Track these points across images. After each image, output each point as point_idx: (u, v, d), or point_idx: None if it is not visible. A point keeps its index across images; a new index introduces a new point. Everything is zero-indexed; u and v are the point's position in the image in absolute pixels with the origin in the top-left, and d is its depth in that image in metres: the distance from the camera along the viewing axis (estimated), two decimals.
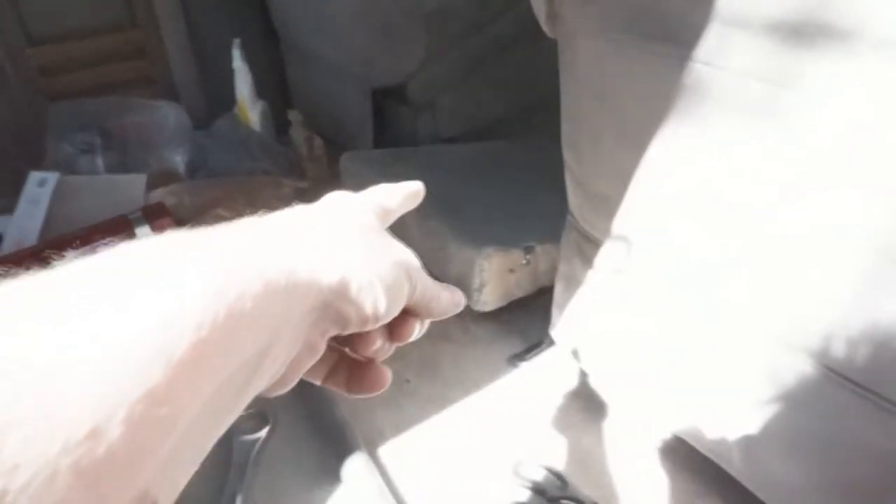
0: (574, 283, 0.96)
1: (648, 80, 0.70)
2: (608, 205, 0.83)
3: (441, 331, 1.17)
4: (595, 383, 1.02)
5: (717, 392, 0.79)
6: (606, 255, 0.87)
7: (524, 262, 1.14)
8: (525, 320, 1.19)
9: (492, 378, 1.07)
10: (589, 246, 0.90)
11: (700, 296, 0.77)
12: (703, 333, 0.79)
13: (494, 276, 1.11)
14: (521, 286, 1.17)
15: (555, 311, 1.04)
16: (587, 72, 0.78)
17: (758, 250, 0.67)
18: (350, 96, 1.63)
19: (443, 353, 1.12)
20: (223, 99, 1.71)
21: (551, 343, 1.10)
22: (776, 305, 0.69)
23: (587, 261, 0.91)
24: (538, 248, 1.15)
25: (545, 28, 0.81)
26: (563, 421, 0.98)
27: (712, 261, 0.73)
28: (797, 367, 0.69)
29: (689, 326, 0.81)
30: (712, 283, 0.75)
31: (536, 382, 1.05)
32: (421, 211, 1.21)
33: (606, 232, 0.85)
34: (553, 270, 1.20)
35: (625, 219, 0.81)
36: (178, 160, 1.51)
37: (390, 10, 1.39)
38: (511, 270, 1.13)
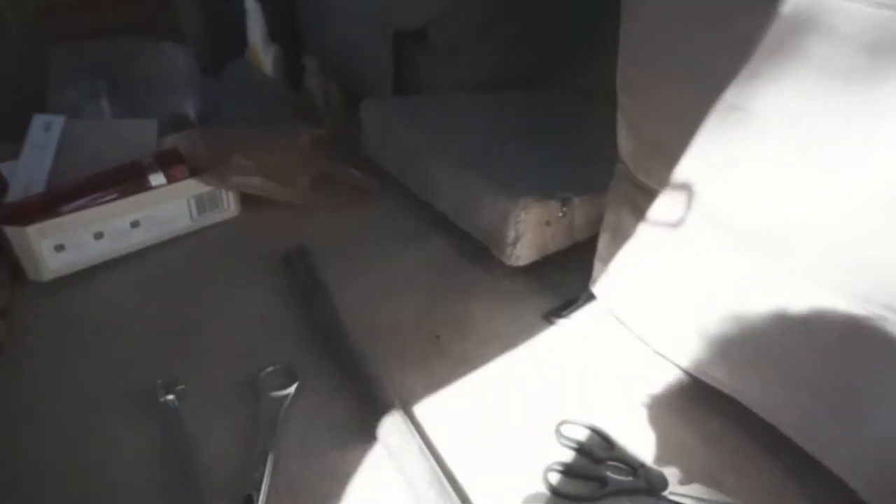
0: (621, 235, 0.90)
1: (732, 20, 0.63)
2: (667, 152, 0.77)
3: (471, 286, 1.12)
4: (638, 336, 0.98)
5: (780, 353, 0.75)
6: (663, 206, 0.81)
7: (560, 214, 1.08)
8: (559, 275, 1.14)
9: (528, 335, 1.02)
10: (641, 196, 0.84)
11: (768, 251, 0.72)
12: (768, 292, 0.74)
13: (531, 228, 1.05)
14: (556, 240, 1.11)
15: (597, 264, 0.99)
16: (657, 11, 0.71)
17: (840, 205, 0.61)
18: (368, 41, 1.55)
19: (474, 308, 1.07)
20: (231, 43, 1.62)
21: (589, 299, 1.05)
22: (856, 261, 0.64)
23: (638, 212, 0.86)
24: (575, 200, 1.09)
25: None
26: (606, 379, 0.94)
27: (787, 214, 0.67)
28: (873, 324, 0.65)
29: (752, 284, 0.76)
30: (784, 237, 0.69)
31: (575, 340, 1.01)
32: (450, 162, 1.15)
33: (664, 181, 0.80)
34: (588, 224, 1.15)
35: (688, 167, 0.75)
36: (189, 106, 1.44)
37: None
38: (547, 223, 1.07)
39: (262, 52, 1.55)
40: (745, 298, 0.77)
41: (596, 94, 1.73)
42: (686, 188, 0.77)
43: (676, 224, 0.80)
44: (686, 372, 0.92)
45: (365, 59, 1.59)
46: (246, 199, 1.30)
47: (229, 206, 1.26)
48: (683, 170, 0.76)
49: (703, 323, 0.84)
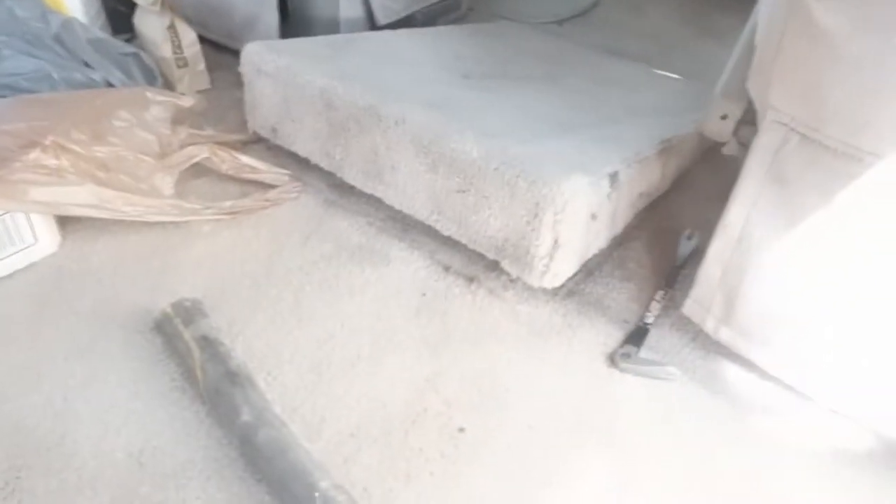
0: (775, 229, 0.54)
1: None
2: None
3: (479, 325, 0.71)
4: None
5: None
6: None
7: (607, 196, 0.70)
8: (596, 287, 0.77)
9: (597, 399, 0.64)
10: (833, 163, 0.48)
11: None
12: None
13: (576, 227, 0.66)
14: (598, 239, 0.73)
15: (704, 277, 0.62)
16: None
17: None
18: None
19: (497, 363, 0.67)
20: None
21: (661, 319, 0.69)
22: None
23: (821, 191, 0.50)
24: (621, 176, 0.71)
25: None
26: (734, 461, 0.59)
27: None
28: None
29: None
30: None
31: (665, 393, 0.65)
32: (418, 126, 0.68)
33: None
34: (630, 208, 0.78)
35: None
36: None
37: None
38: (593, 216, 0.69)
39: None
40: None
41: (548, 25, 1.36)
42: None
43: None
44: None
45: None
46: (69, 222, 0.77)
47: (36, 237, 0.73)
48: None
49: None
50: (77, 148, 0.73)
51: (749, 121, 0.60)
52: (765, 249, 0.55)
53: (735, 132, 0.62)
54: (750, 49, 0.57)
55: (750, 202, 0.55)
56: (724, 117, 0.60)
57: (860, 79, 0.44)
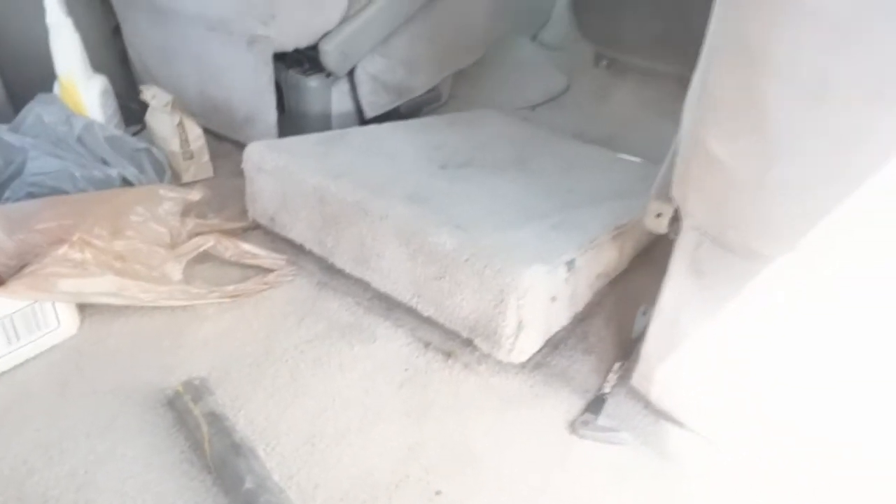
0: (697, 313, 0.64)
1: None
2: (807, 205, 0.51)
3: (455, 397, 0.80)
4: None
5: None
6: (787, 275, 0.56)
7: (565, 281, 0.80)
8: (559, 359, 0.86)
9: (561, 463, 0.72)
10: (733, 257, 0.59)
11: None
12: None
13: (537, 310, 0.76)
14: (559, 318, 0.83)
15: (646, 354, 0.71)
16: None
17: None
18: (239, 65, 1.16)
19: (473, 431, 0.75)
20: (32, 80, 1.15)
21: (617, 388, 0.78)
22: None
23: (730, 282, 0.60)
24: (578, 262, 0.82)
25: None
26: None
27: None
28: None
29: None
30: None
31: (620, 456, 0.73)
32: (401, 221, 0.81)
33: (787, 245, 0.54)
34: (588, 290, 0.88)
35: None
36: None
37: None
38: (553, 298, 0.78)
39: (83, 85, 1.10)
40: None
41: (512, 111, 1.50)
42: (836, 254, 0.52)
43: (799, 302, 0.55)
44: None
45: (234, 89, 1.20)
46: (87, 307, 0.86)
47: (59, 322, 0.82)
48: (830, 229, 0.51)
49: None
50: (99, 242, 0.82)
51: (679, 217, 0.71)
52: (693, 330, 0.65)
53: (669, 226, 0.73)
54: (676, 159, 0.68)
55: (678, 291, 0.65)
56: (658, 215, 0.71)
57: (748, 197, 0.55)
